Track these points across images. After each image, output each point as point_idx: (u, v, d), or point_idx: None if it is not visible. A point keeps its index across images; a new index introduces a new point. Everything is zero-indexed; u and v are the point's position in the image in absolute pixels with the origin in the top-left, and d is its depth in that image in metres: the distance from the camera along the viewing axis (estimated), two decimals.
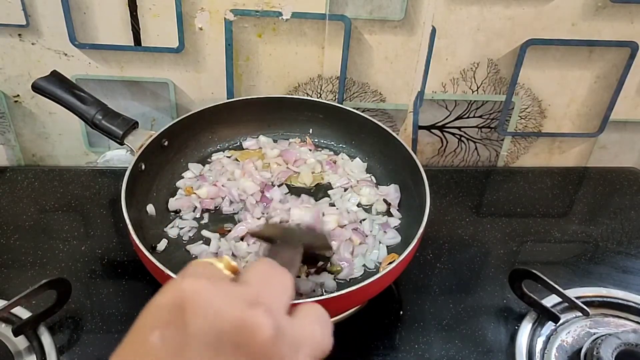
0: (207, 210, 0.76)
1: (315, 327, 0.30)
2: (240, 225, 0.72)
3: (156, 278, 0.62)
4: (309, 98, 0.86)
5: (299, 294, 0.65)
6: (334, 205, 0.77)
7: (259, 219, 0.73)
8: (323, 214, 0.74)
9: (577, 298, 0.69)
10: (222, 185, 0.77)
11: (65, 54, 0.81)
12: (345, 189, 0.79)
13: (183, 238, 0.72)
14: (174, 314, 0.26)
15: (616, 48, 0.85)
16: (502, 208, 0.89)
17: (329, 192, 0.79)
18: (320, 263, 0.69)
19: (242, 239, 0.71)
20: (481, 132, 0.94)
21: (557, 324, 0.69)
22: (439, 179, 0.93)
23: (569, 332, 0.69)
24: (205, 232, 0.73)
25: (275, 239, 0.50)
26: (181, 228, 0.73)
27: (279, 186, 0.78)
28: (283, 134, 0.87)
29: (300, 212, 0.73)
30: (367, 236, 0.73)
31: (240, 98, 0.84)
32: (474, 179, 0.95)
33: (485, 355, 0.67)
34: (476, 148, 0.96)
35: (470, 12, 0.81)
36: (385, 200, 0.77)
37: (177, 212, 0.75)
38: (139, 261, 0.63)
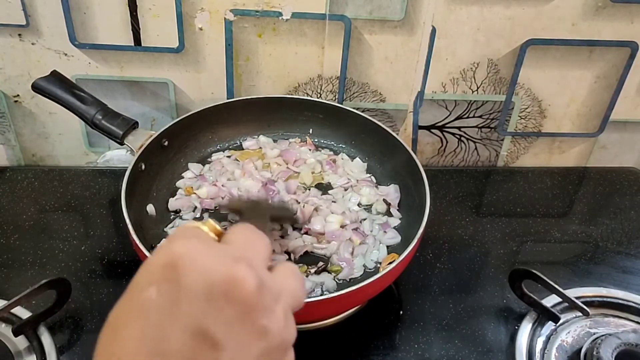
0: (207, 210, 0.76)
1: (291, 281, 0.33)
2: None
3: None
4: (309, 98, 0.86)
5: None
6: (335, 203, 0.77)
7: None
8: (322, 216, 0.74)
9: (577, 298, 0.69)
10: (222, 185, 0.77)
11: (65, 54, 0.81)
12: (346, 189, 0.79)
13: None
14: (168, 271, 0.28)
15: (616, 48, 0.85)
16: (502, 208, 0.89)
17: (329, 192, 0.79)
18: (321, 264, 0.69)
19: None
20: (481, 132, 0.94)
21: (557, 324, 0.69)
22: (439, 179, 0.93)
23: (569, 332, 0.69)
24: None
25: (243, 212, 0.53)
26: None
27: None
28: (283, 134, 0.87)
29: (252, 183, 0.75)
30: (367, 236, 0.73)
31: (240, 98, 0.84)
32: (474, 179, 0.95)
33: (485, 355, 0.67)
34: (476, 148, 0.96)
35: (470, 12, 0.81)
36: (385, 200, 0.77)
37: (177, 212, 0.75)
38: (139, 261, 0.63)
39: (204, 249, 0.30)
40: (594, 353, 0.62)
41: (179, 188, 0.78)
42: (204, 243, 0.30)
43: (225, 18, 0.79)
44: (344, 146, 0.86)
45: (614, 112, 0.93)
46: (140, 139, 0.73)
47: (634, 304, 0.71)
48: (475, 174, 0.96)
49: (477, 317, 0.71)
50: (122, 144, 0.73)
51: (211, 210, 0.76)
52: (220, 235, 0.34)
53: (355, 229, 0.73)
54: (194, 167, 0.81)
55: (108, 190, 0.85)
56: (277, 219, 0.65)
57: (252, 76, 0.85)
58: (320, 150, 0.86)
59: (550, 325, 0.69)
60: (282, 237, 0.71)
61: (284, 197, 0.76)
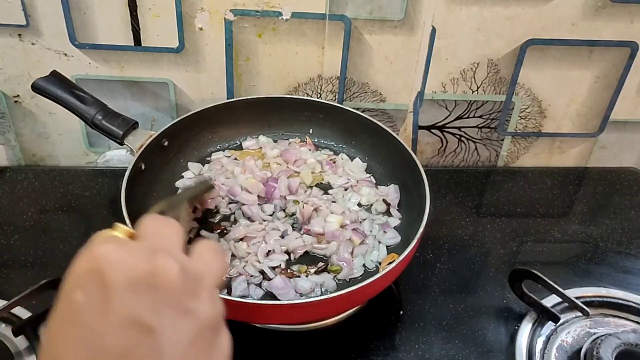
0: (208, 210, 0.76)
1: (210, 259, 0.35)
2: (239, 225, 0.72)
3: None
4: (309, 98, 0.86)
5: (299, 294, 0.65)
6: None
7: (253, 221, 0.73)
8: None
9: (577, 298, 0.69)
10: (222, 184, 0.77)
11: (65, 54, 0.81)
12: (346, 189, 0.79)
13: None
14: (92, 274, 0.30)
15: (616, 48, 0.85)
16: (502, 208, 0.89)
17: (329, 192, 0.79)
18: (321, 264, 0.69)
19: (241, 239, 0.71)
20: (481, 132, 0.94)
21: (557, 324, 0.69)
22: (439, 179, 0.93)
23: (569, 332, 0.69)
24: (204, 232, 0.72)
25: (164, 210, 0.54)
26: None
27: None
28: (283, 134, 0.87)
29: (253, 181, 0.76)
30: (367, 236, 0.73)
31: (240, 98, 0.84)
32: (474, 179, 0.95)
33: (485, 355, 0.67)
34: (476, 148, 0.96)
35: (470, 12, 0.81)
36: (385, 200, 0.77)
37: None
38: None
39: (122, 249, 0.31)
40: (594, 353, 0.62)
41: (178, 188, 0.78)
42: (121, 244, 0.33)
43: (225, 18, 0.79)
44: (344, 146, 0.86)
45: (614, 112, 0.93)
46: (140, 139, 0.73)
47: (634, 304, 0.71)
48: (475, 174, 0.96)
49: (477, 317, 0.71)
50: (122, 144, 0.73)
51: (212, 209, 0.75)
52: (132, 236, 0.36)
53: (355, 229, 0.73)
54: (193, 167, 0.81)
55: (108, 190, 0.85)
56: (194, 197, 0.67)
57: (252, 76, 0.85)
58: (320, 150, 0.86)
59: (550, 325, 0.69)
60: (282, 237, 0.71)
61: (284, 195, 0.76)
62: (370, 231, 0.74)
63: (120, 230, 0.36)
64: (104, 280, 0.30)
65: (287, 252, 0.70)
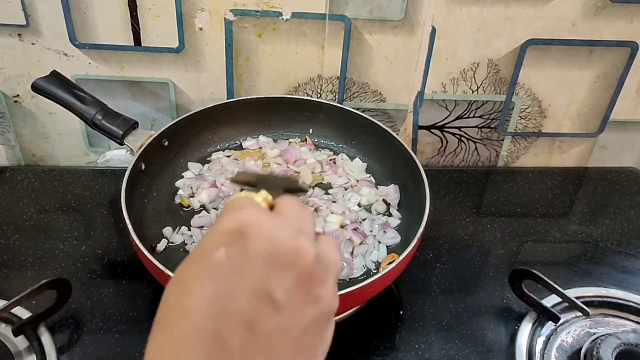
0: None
1: (335, 254, 0.35)
2: None
3: (156, 278, 0.62)
4: (309, 98, 0.86)
5: None
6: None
7: None
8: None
9: (577, 298, 0.69)
10: (222, 185, 0.77)
11: (65, 54, 0.81)
12: (346, 189, 0.79)
13: (185, 241, 0.72)
14: (236, 236, 0.31)
15: (616, 48, 0.85)
16: (502, 208, 0.89)
17: (329, 191, 0.79)
18: None
19: None
20: (481, 132, 0.94)
21: (557, 324, 0.69)
22: (439, 179, 0.93)
23: (569, 332, 0.69)
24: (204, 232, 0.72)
25: (256, 185, 0.54)
26: (183, 234, 0.73)
27: None
28: (283, 134, 0.87)
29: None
30: (367, 236, 0.73)
31: (240, 98, 0.84)
32: (474, 179, 0.95)
33: (485, 355, 0.67)
34: (476, 148, 0.96)
35: (470, 12, 0.81)
36: (385, 200, 0.77)
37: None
38: (139, 261, 0.63)
39: (269, 219, 0.32)
40: (594, 353, 0.62)
41: (178, 188, 0.78)
42: (266, 213, 0.33)
43: (225, 18, 0.79)
44: (344, 146, 0.86)
45: (614, 112, 0.93)
46: (140, 139, 0.73)
47: (634, 304, 0.71)
48: (475, 174, 0.96)
49: (477, 317, 0.71)
50: (122, 144, 0.73)
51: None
52: (270, 205, 0.36)
53: (355, 229, 0.73)
54: (193, 167, 0.81)
55: (108, 190, 0.85)
56: (289, 191, 0.66)
57: (252, 76, 0.85)
58: (320, 150, 0.86)
59: (550, 325, 0.69)
60: None
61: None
62: (370, 231, 0.74)
63: (262, 196, 0.36)
64: (247, 244, 0.30)
65: None
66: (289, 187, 0.66)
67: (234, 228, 0.31)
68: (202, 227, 0.73)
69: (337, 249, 0.36)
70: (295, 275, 0.31)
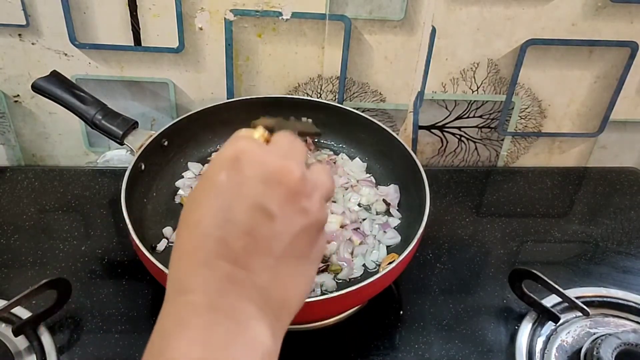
0: None
1: (324, 177, 0.41)
2: None
3: (156, 278, 0.62)
4: (309, 98, 0.86)
5: None
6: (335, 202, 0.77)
7: None
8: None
9: (577, 298, 0.69)
10: None
11: (65, 54, 0.81)
12: (346, 189, 0.79)
13: None
14: (234, 162, 0.37)
15: (616, 48, 0.85)
16: (502, 208, 0.89)
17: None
18: (321, 265, 0.69)
19: None
20: (481, 132, 0.94)
21: (557, 324, 0.69)
22: (439, 179, 0.93)
23: (569, 332, 0.69)
24: None
25: (273, 128, 0.56)
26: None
27: None
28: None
29: None
30: (367, 236, 0.73)
31: (240, 98, 0.84)
32: (474, 179, 0.95)
33: (485, 355, 0.67)
34: (476, 148, 0.96)
35: (470, 12, 0.81)
36: (384, 201, 0.77)
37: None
38: (139, 261, 0.63)
39: (260, 147, 0.38)
40: (594, 353, 0.62)
41: (179, 188, 0.78)
42: (259, 143, 0.40)
43: (225, 18, 0.79)
44: (344, 146, 0.86)
45: (614, 112, 0.93)
46: (140, 139, 0.73)
47: (634, 304, 0.71)
48: (475, 174, 0.96)
49: (477, 317, 0.71)
50: (122, 144, 0.73)
51: None
52: (267, 141, 0.42)
53: (356, 229, 0.73)
54: (193, 167, 0.81)
55: (108, 190, 0.85)
56: (302, 134, 0.70)
57: (252, 76, 0.85)
58: (320, 151, 0.85)
59: (550, 325, 0.69)
60: None
61: None
62: (370, 231, 0.74)
63: (260, 133, 0.42)
64: (242, 167, 0.36)
65: None
66: (303, 130, 0.69)
67: (231, 155, 0.37)
68: None
69: (327, 173, 0.42)
70: (284, 190, 0.36)
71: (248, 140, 0.38)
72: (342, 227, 0.73)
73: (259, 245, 0.35)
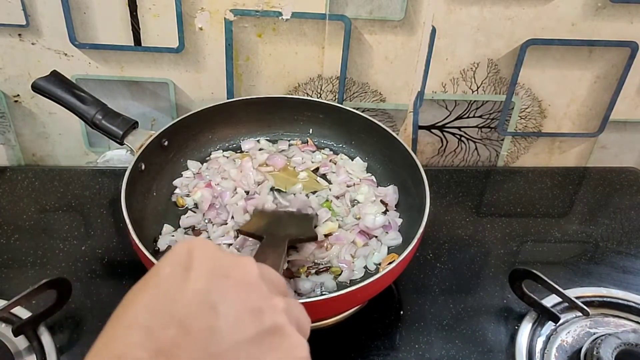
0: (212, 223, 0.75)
1: (298, 308, 0.37)
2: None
3: None
4: (309, 98, 0.86)
5: (298, 294, 0.65)
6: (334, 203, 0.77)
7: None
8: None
9: (577, 298, 0.69)
10: (217, 184, 0.77)
11: (65, 54, 0.81)
12: (348, 186, 0.79)
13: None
14: (183, 255, 0.34)
15: (616, 48, 0.85)
16: (502, 208, 0.89)
17: (330, 191, 0.79)
18: (322, 266, 0.69)
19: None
20: (481, 132, 0.94)
21: (557, 324, 0.69)
22: (439, 179, 0.93)
23: (569, 332, 0.69)
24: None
25: (262, 235, 0.54)
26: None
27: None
28: (283, 134, 0.87)
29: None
30: (371, 238, 0.73)
31: (240, 98, 0.84)
32: (474, 179, 0.95)
33: (485, 355, 0.67)
34: (476, 148, 0.96)
35: (470, 12, 0.81)
36: (382, 201, 0.77)
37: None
38: (139, 261, 0.63)
39: (217, 246, 0.36)
40: (594, 353, 0.62)
41: (177, 187, 0.78)
42: (217, 245, 0.38)
43: (225, 18, 0.79)
44: (344, 146, 0.86)
45: (614, 112, 0.93)
46: (140, 139, 0.73)
47: (634, 304, 0.71)
48: (475, 174, 0.96)
49: (477, 317, 0.71)
50: (122, 144, 0.73)
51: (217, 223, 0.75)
52: None
53: (361, 231, 0.73)
54: (192, 165, 0.81)
55: (108, 190, 0.85)
56: (296, 241, 0.67)
57: (252, 76, 0.85)
58: (320, 151, 0.85)
59: (550, 325, 0.69)
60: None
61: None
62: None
63: None
64: (192, 260, 0.34)
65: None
66: (297, 235, 0.64)
67: (182, 250, 0.35)
68: (192, 227, 0.73)
69: (303, 309, 0.38)
70: (232, 284, 0.33)
71: (204, 240, 0.36)
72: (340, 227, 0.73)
73: (192, 338, 0.31)
